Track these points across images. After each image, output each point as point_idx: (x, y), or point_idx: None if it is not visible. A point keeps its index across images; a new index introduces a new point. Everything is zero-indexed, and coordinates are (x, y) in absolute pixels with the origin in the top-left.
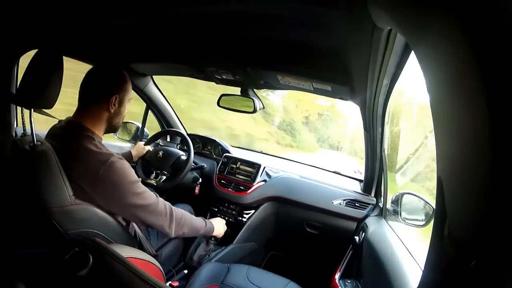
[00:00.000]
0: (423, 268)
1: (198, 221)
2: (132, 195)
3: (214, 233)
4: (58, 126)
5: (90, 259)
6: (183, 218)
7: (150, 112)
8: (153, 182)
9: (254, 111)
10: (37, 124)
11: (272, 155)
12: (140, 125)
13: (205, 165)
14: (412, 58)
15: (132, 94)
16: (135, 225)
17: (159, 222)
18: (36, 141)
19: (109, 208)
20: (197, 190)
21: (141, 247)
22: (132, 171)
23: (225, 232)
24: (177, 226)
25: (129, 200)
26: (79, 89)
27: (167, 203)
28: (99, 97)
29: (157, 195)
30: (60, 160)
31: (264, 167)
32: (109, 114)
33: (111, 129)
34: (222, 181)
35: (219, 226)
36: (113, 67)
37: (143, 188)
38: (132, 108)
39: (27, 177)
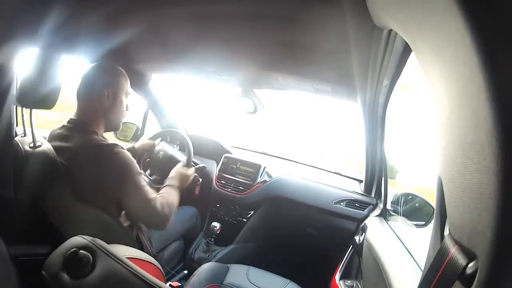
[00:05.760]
0: (423, 268)
1: (175, 198)
2: (137, 187)
3: (182, 187)
4: (59, 127)
5: (90, 259)
6: (171, 208)
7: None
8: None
9: (255, 111)
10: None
11: (272, 156)
12: (140, 126)
13: (205, 166)
14: (413, 58)
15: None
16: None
17: (155, 219)
18: (36, 141)
19: (115, 199)
20: (196, 191)
21: (142, 249)
22: (136, 163)
23: (225, 232)
24: (169, 220)
25: (132, 192)
26: (77, 89)
27: (161, 200)
28: (92, 93)
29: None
30: (66, 159)
31: (264, 168)
32: (104, 109)
33: (111, 125)
34: (222, 181)
35: (180, 180)
36: (105, 63)
37: (144, 182)
38: None
39: (27, 177)
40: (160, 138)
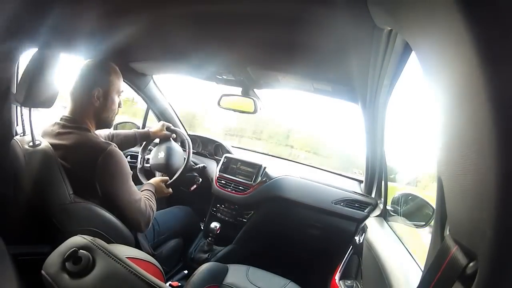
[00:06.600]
0: (423, 268)
1: (155, 203)
2: (127, 187)
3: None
4: (52, 124)
5: (89, 259)
6: (153, 211)
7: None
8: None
9: (255, 111)
10: None
11: (272, 156)
12: (140, 125)
13: (206, 165)
14: (413, 58)
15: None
16: None
17: (138, 218)
18: (36, 140)
19: (105, 198)
20: (192, 189)
21: (138, 245)
22: (127, 163)
23: (225, 232)
24: (150, 221)
25: (122, 191)
26: (71, 86)
27: (145, 202)
28: (83, 92)
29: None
30: (59, 156)
31: (265, 168)
32: (95, 108)
33: (103, 124)
34: (222, 181)
35: (156, 190)
36: (97, 61)
37: (132, 182)
38: None
39: (27, 176)
40: (175, 135)
